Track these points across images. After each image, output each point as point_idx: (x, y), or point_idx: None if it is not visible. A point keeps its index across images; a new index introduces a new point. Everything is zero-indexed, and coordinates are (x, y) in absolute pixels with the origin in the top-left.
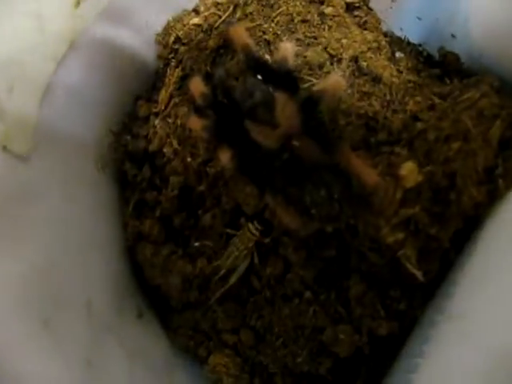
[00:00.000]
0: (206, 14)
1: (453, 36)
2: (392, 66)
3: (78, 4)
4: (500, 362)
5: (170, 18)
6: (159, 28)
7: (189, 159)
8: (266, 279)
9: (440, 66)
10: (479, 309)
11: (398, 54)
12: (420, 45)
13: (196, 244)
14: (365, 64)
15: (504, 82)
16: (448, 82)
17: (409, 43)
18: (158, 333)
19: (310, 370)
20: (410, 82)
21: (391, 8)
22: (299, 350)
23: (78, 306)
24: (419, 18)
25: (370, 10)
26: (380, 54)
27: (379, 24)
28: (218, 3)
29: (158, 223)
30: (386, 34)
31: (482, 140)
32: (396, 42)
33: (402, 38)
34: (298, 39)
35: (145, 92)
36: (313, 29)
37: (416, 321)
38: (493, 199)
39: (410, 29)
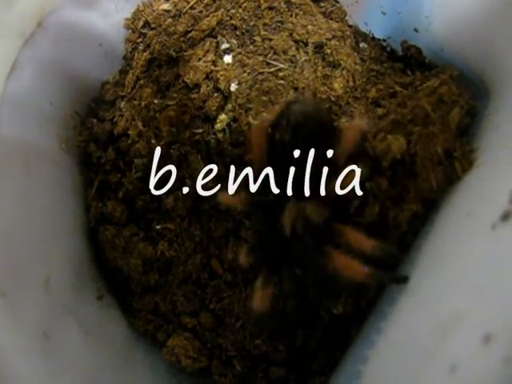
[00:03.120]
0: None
1: (415, 30)
2: (355, 54)
3: None
4: (448, 327)
5: (140, 4)
6: (128, 13)
7: (153, 141)
8: (228, 263)
9: (403, 59)
10: (432, 284)
11: (362, 45)
12: (384, 40)
13: (158, 227)
14: (329, 51)
15: (463, 75)
16: (410, 73)
17: (373, 38)
18: (118, 316)
19: (268, 351)
20: (372, 70)
21: (357, 2)
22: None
23: (36, 280)
24: (383, 13)
25: (337, 2)
26: (344, 43)
27: (344, 16)
28: None
29: (121, 205)
30: (350, 26)
31: (441, 124)
32: (360, 34)
33: (367, 32)
34: (264, 24)
35: (112, 76)
36: (279, 15)
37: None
38: (449, 182)
39: (374, 23)
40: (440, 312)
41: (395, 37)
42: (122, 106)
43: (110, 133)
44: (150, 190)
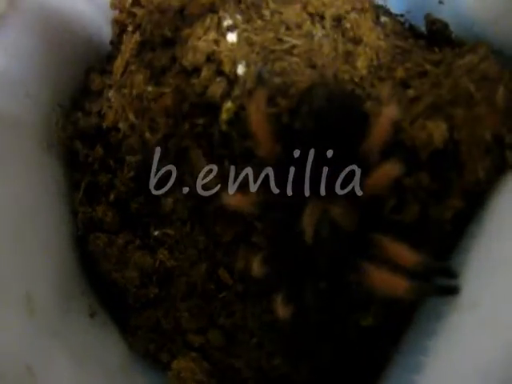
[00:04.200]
0: None
1: (440, 2)
2: (378, 28)
3: None
4: None
5: None
6: None
7: (147, 135)
8: (238, 273)
9: (426, 36)
10: (494, 297)
11: (383, 18)
12: (402, 15)
13: (156, 233)
14: (349, 25)
15: (497, 53)
16: (437, 51)
17: (390, 13)
18: (114, 335)
19: (288, 373)
20: (397, 47)
21: None
22: (276, 350)
23: (15, 302)
24: None
25: None
26: (365, 16)
27: None
28: None
29: (113, 209)
30: None
31: (487, 105)
32: (379, 7)
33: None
34: None
35: (98, 63)
36: None
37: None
38: (499, 173)
39: None
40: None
41: (416, 11)
42: (110, 96)
43: (97, 127)
44: (145, 192)
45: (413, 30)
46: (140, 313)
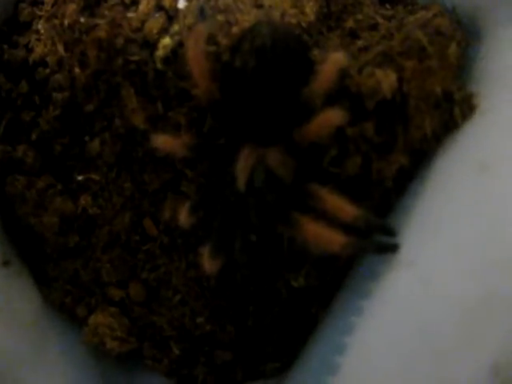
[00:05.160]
0: None
1: None
2: None
3: None
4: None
5: None
6: None
7: (77, 70)
8: (164, 224)
9: None
10: (431, 255)
11: None
12: None
13: (80, 177)
14: None
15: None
16: (389, 7)
17: None
18: (28, 286)
19: (213, 331)
20: None
21: None
22: (201, 308)
23: None
24: None
25: None
26: None
27: None
28: None
29: (34, 149)
30: None
31: (440, 59)
32: None
33: None
34: None
35: None
36: None
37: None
38: (445, 131)
39: None
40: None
41: None
42: (39, 27)
43: (23, 61)
44: (70, 132)
45: None
46: (58, 263)
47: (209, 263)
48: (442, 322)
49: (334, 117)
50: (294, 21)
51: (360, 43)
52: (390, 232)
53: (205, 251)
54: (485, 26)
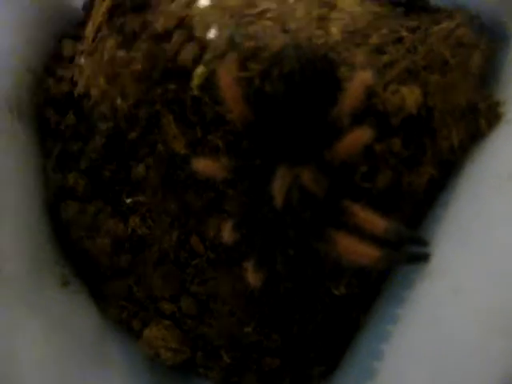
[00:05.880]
0: None
1: None
2: None
3: None
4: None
5: None
6: None
7: (119, 101)
8: (209, 240)
9: (404, 3)
10: (464, 264)
11: None
12: None
13: (128, 200)
14: None
15: (478, 19)
16: (415, 17)
17: None
18: (87, 303)
19: (260, 340)
20: (373, 13)
21: None
22: (248, 318)
23: None
24: None
25: None
26: None
27: None
28: None
29: (84, 176)
30: None
31: (462, 71)
32: None
33: None
34: None
35: (71, 29)
36: None
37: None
38: (473, 141)
39: None
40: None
41: None
42: (81, 62)
43: (69, 94)
44: (116, 159)
45: None
46: (112, 280)
47: (253, 277)
48: (468, 331)
49: (361, 136)
50: (320, 41)
51: (385, 58)
52: (422, 242)
53: (248, 266)
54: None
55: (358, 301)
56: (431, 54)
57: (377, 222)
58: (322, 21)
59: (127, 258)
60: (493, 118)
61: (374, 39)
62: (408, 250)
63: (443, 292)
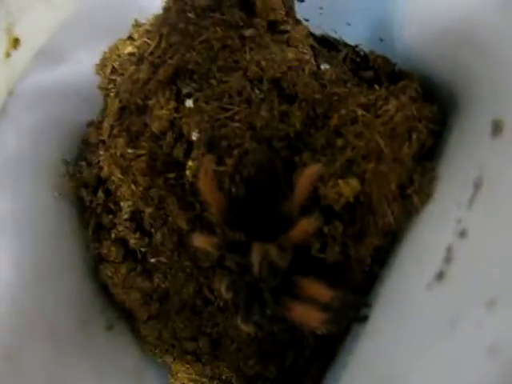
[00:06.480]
0: (139, 42)
1: (381, 40)
2: (315, 81)
3: (8, 54)
4: None
5: (106, 49)
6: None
7: (133, 187)
8: (218, 291)
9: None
10: (385, 328)
11: (323, 66)
12: (356, 46)
13: (152, 260)
14: (285, 84)
15: (430, 81)
16: (377, 87)
17: (345, 45)
18: (129, 342)
19: (260, 371)
20: (334, 95)
21: (321, 14)
22: (251, 354)
23: (43, 333)
24: (348, 24)
25: (298, 21)
26: (303, 71)
27: (306, 37)
28: (148, 31)
29: (115, 244)
30: (313, 47)
31: (394, 160)
32: (323, 54)
33: (338, 39)
34: (219, 66)
35: (96, 117)
36: (233, 54)
37: None
38: (409, 215)
39: (342, 33)
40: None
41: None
42: (101, 153)
43: (98, 176)
44: (139, 229)
45: (366, 60)
46: (147, 324)
47: (244, 327)
48: None
49: (308, 225)
50: (282, 134)
51: (340, 142)
52: (365, 304)
53: (238, 320)
54: (462, 102)
55: (338, 336)
56: (371, 142)
57: (322, 293)
58: (284, 116)
59: (156, 306)
60: (424, 195)
61: (334, 121)
62: (349, 313)
63: (372, 351)
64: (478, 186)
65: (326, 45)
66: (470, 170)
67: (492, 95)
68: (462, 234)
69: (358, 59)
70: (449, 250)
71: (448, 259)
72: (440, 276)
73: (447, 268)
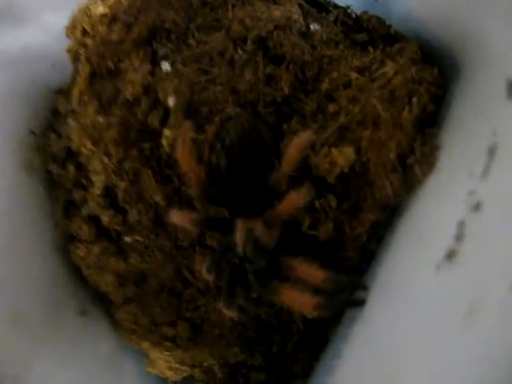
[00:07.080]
0: (111, 1)
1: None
2: (304, 42)
3: None
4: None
5: (76, 8)
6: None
7: (105, 159)
8: (198, 273)
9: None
10: (384, 313)
11: (313, 27)
12: (348, 7)
13: (127, 239)
14: (271, 44)
15: (430, 45)
16: (371, 50)
17: (336, 6)
18: (104, 328)
19: (245, 359)
20: (325, 57)
21: None
22: (235, 340)
23: (8, 319)
24: None
25: None
26: (290, 31)
27: None
28: None
29: (87, 222)
30: (301, 6)
31: (393, 126)
32: (312, 14)
33: (328, 0)
34: (198, 25)
35: (65, 85)
36: (214, 12)
37: None
38: (410, 187)
39: None
40: (383, 358)
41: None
42: (71, 123)
43: (67, 149)
44: (113, 205)
45: (358, 22)
46: (122, 308)
47: (226, 312)
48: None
49: (298, 199)
50: (269, 99)
51: (332, 108)
52: (361, 287)
53: (220, 305)
54: (465, 67)
55: (328, 320)
56: (367, 106)
57: (314, 274)
58: (270, 79)
59: (132, 288)
60: (427, 166)
61: (325, 85)
62: (344, 296)
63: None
64: (492, 153)
65: (315, 6)
66: (483, 135)
67: (507, 53)
68: (477, 207)
69: (349, 22)
70: (460, 225)
71: (460, 236)
72: (451, 255)
73: (459, 246)
